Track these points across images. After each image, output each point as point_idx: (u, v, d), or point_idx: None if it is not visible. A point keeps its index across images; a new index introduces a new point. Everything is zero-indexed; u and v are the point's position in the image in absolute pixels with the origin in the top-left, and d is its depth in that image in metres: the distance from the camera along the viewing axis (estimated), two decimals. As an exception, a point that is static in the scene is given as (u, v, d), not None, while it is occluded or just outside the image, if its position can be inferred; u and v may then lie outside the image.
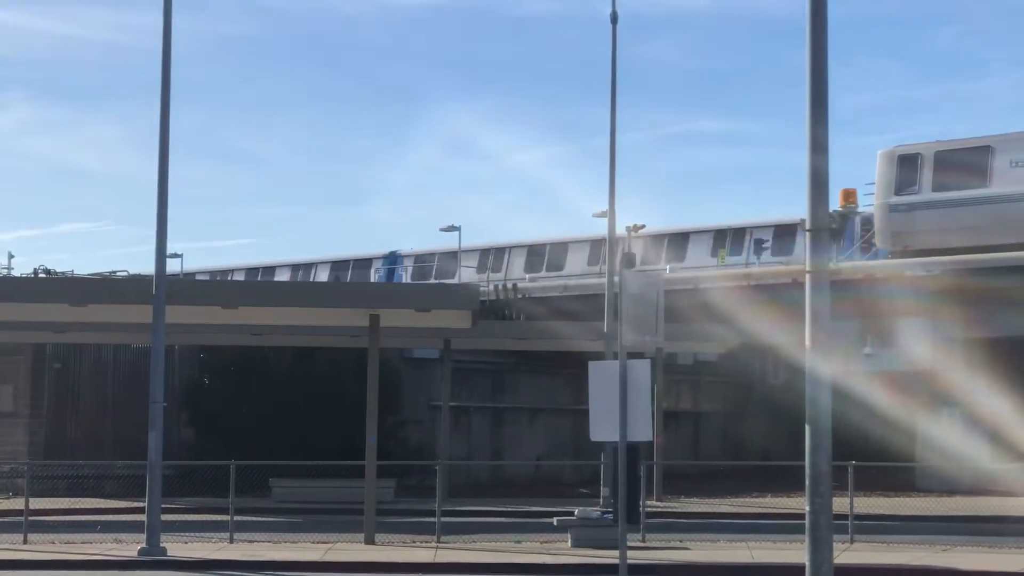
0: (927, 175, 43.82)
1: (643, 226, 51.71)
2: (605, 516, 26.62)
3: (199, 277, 61.14)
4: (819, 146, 13.73)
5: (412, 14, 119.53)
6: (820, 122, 13.73)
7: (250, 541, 26.53)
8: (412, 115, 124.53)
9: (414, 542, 26.52)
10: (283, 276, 63.60)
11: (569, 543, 25.96)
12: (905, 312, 44.58)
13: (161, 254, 25.30)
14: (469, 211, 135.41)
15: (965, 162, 43.29)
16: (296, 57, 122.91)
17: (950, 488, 41.77)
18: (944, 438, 45.00)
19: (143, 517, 24.68)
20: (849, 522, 26.48)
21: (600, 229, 52.29)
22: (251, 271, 66.68)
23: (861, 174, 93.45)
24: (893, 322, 44.54)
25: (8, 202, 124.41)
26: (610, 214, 35.59)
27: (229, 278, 64.51)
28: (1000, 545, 25.91)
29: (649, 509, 29.26)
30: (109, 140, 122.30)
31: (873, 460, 34.23)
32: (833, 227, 13.99)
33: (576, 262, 55.67)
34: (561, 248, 56.97)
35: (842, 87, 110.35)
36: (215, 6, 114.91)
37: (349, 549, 25.17)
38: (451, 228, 59.11)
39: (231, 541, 26.31)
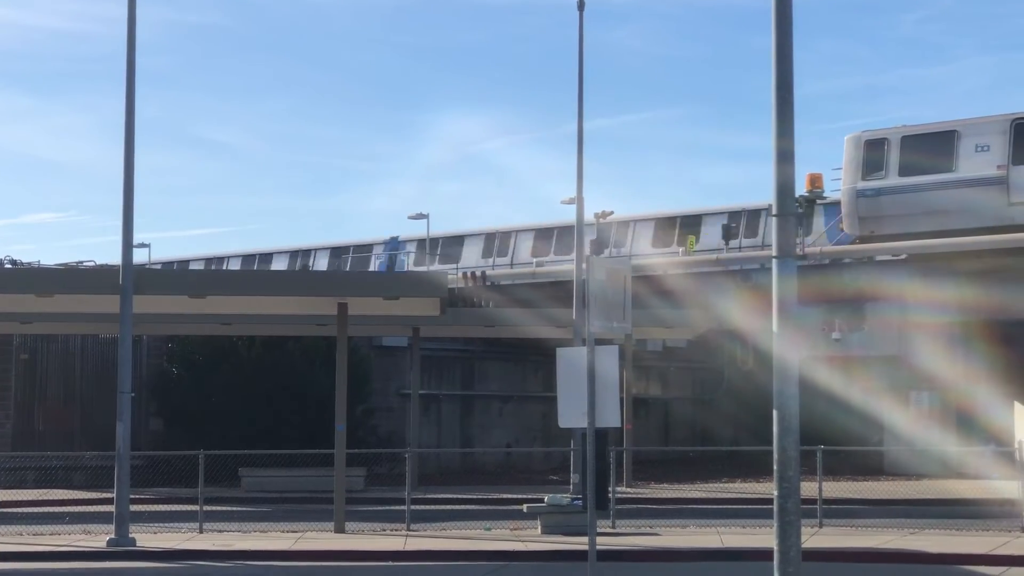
0: (894, 160, 43.96)
1: (611, 212, 51.79)
2: (575, 502, 26.66)
3: (193, 266, 61.01)
4: (784, 127, 13.76)
5: (381, 4, 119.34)
6: (785, 101, 13.76)
7: (220, 531, 26.49)
8: (379, 103, 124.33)
9: (384, 530, 26.55)
10: (281, 263, 63.31)
11: (539, 529, 26.02)
12: (872, 297, 44.79)
13: (128, 244, 25.19)
14: (440, 198, 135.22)
15: (931, 147, 43.45)
16: (262, 46, 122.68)
17: (918, 472, 42.07)
18: (912, 423, 45.32)
19: (112, 508, 24.58)
20: (818, 506, 26.62)
21: (554, 216, 53.44)
22: (247, 258, 66.35)
23: (827, 159, 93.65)
24: (860, 307, 44.73)
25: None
26: (578, 201, 35.61)
27: (225, 266, 64.40)
28: (968, 528, 26.08)
29: (619, 495, 29.39)
30: (75, 129, 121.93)
31: (842, 445, 34.42)
32: (799, 212, 13.97)
33: (524, 251, 56.03)
34: (509, 236, 57.45)
35: (806, 73, 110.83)
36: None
37: (319, 538, 25.15)
38: (419, 216, 59.06)
39: (201, 531, 26.27)
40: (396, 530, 26.36)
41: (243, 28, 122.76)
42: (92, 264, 48.40)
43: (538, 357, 45.43)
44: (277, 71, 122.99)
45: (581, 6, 34.96)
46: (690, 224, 53.12)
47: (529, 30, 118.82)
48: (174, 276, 37.49)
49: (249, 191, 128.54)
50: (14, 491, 33.96)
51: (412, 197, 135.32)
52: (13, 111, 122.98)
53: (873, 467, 41.48)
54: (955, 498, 33.59)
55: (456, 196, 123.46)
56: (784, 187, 13.79)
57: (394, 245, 59.33)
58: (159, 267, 62.99)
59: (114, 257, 29.19)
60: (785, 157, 13.78)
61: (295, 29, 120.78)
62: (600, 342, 15.31)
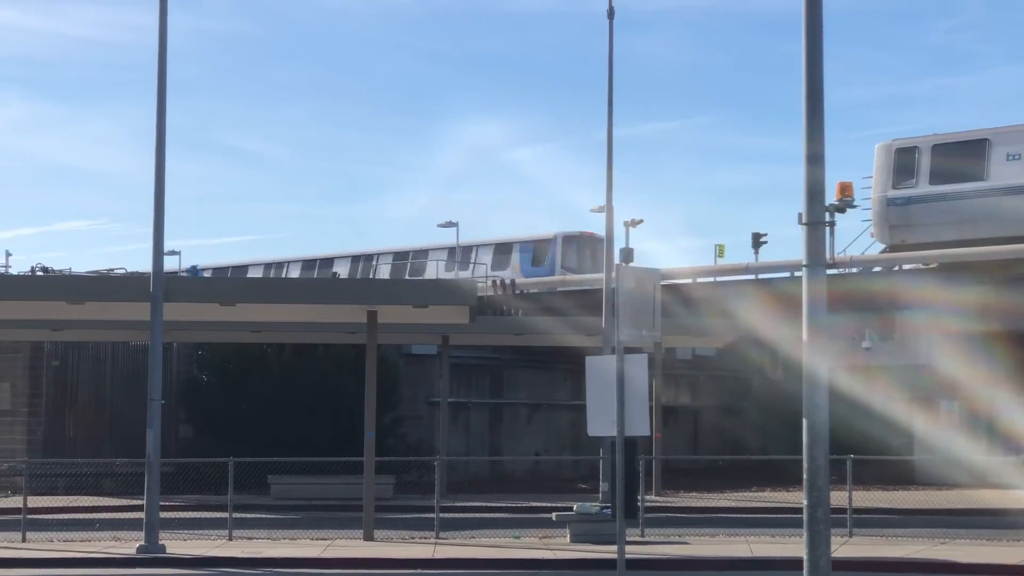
0: (924, 168, 43.83)
1: (641, 221, 51.73)
2: (604, 511, 26.61)
3: (252, 273, 60.98)
4: (814, 135, 13.75)
5: (407, 11, 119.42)
6: (816, 109, 13.74)
7: (249, 538, 26.57)
8: (403, 110, 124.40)
9: (413, 538, 26.58)
10: (342, 267, 63.16)
11: (568, 538, 25.99)
12: (903, 305, 44.60)
13: (158, 251, 25.30)
14: (466, 207, 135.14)
15: (962, 155, 43.30)
16: (287, 53, 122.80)
17: (949, 481, 41.80)
18: (941, 431, 45.10)
19: (142, 515, 24.70)
20: (848, 516, 26.55)
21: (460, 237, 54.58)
22: (307, 263, 66.30)
23: (857, 167, 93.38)
24: (891, 315, 44.56)
25: (5, 200, 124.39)
26: (607, 209, 35.60)
27: (284, 273, 64.30)
28: (999, 538, 25.97)
29: (648, 504, 29.32)
30: (105, 137, 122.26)
31: (872, 454, 34.26)
32: (829, 221, 13.94)
33: (433, 269, 56.62)
34: (422, 255, 57.95)
35: (836, 81, 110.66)
36: (207, 4, 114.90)
37: (348, 545, 25.20)
38: (449, 224, 59.11)
39: (230, 538, 26.34)
40: (425, 538, 26.37)
41: (268, 35, 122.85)
42: (123, 271, 48.44)
43: (567, 365, 45.37)
44: (303, 78, 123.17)
45: (611, 14, 34.98)
46: (505, 250, 54.93)
47: (556, 37, 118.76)
48: (204, 284, 37.49)
49: (275, 198, 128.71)
50: (45, 497, 34.03)
51: (435, 204, 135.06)
52: (44, 119, 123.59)
53: (903, 476, 41.28)
54: (986, 508, 33.43)
55: (482, 204, 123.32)
56: (814, 195, 13.76)
57: (194, 272, 57.16)
58: (253, 271, 63.21)
59: (144, 264, 29.29)
60: (815, 165, 13.76)
61: (321, 36, 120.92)
62: (629, 350, 15.30)
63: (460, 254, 56.94)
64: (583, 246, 55.14)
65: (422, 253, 60.39)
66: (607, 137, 35.48)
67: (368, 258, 62.59)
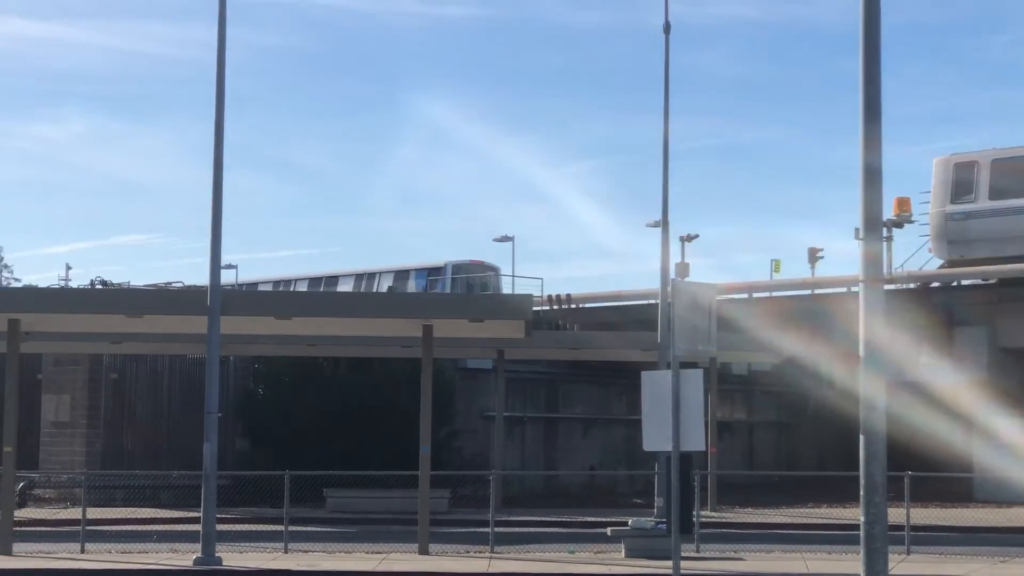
0: (984, 183, 43.53)
1: (697, 236, 51.74)
2: (659, 526, 26.54)
3: (300, 286, 61.72)
4: (872, 150, 13.69)
5: (457, 24, 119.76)
6: (873, 123, 13.68)
7: (304, 551, 26.65)
8: (459, 125, 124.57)
9: (468, 552, 26.58)
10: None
11: (623, 553, 25.95)
12: (961, 321, 44.32)
13: (216, 265, 25.43)
14: (522, 221, 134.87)
15: (1022, 170, 43.00)
16: (345, 69, 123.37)
17: (1009, 499, 41.44)
18: (1001, 449, 44.69)
19: (199, 526, 24.81)
20: (905, 533, 26.34)
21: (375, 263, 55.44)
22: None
23: (914, 183, 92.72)
24: (949, 331, 44.26)
25: (64, 214, 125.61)
26: (663, 224, 35.50)
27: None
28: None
29: (703, 519, 29.25)
30: (164, 152, 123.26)
31: (930, 471, 33.99)
32: (887, 236, 13.92)
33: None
34: (333, 281, 58.28)
35: (893, 95, 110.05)
36: (261, 18, 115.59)
37: (403, 559, 25.24)
38: (504, 239, 59.20)
39: (286, 551, 26.44)
40: (480, 552, 26.37)
41: (325, 50, 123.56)
42: (180, 285, 48.81)
43: (622, 380, 45.32)
44: (359, 92, 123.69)
45: (667, 29, 34.90)
46: (404, 277, 56.30)
47: (610, 52, 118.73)
48: (261, 297, 37.67)
49: (332, 212, 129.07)
50: (103, 509, 34.29)
51: (497, 218, 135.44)
52: (103, 134, 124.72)
53: (962, 494, 40.96)
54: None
55: (540, 215, 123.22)
56: (871, 211, 13.71)
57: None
58: (300, 284, 63.88)
59: (202, 278, 29.44)
60: (872, 180, 13.71)
61: (375, 51, 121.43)
62: (685, 365, 15.28)
63: (365, 281, 57.42)
64: (474, 272, 55.39)
65: (333, 280, 60.73)
66: (663, 152, 35.32)
67: (287, 283, 63.05)
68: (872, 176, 13.70)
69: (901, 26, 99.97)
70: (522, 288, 54.28)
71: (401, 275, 56.57)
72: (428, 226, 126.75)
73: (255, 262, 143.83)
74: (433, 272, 55.32)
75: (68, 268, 70.18)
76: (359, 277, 57.62)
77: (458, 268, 55.14)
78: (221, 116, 25.52)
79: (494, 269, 56.77)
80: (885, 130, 13.79)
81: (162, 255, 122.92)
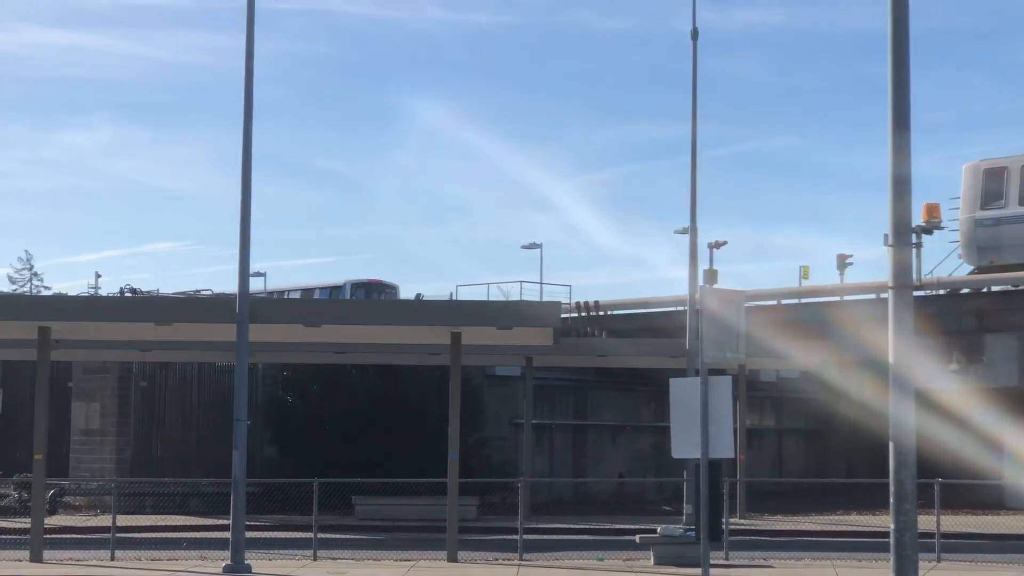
0: (1014, 189, 43.45)
1: (725, 242, 51.69)
2: (688, 533, 26.48)
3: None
4: (900, 157, 13.69)
5: (488, 32, 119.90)
6: (902, 131, 13.68)
7: (333, 558, 26.69)
8: (488, 132, 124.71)
9: (496, 560, 26.56)
10: None
11: (652, 560, 25.91)
12: (991, 327, 44.18)
13: (244, 273, 25.48)
14: (544, 231, 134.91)
15: (1053, 176, 42.93)
16: (371, 76, 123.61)
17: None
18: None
19: (228, 534, 24.86)
20: (936, 540, 26.22)
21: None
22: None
23: (944, 189, 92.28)
24: (979, 337, 44.13)
25: (94, 222, 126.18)
26: (691, 231, 35.47)
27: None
28: (1090, 564, 25.63)
29: (732, 526, 29.21)
30: (191, 160, 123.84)
31: (960, 478, 33.87)
32: (916, 242, 13.91)
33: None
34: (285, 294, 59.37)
35: (923, 100, 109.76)
36: (288, 25, 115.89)
37: (432, 567, 25.25)
38: (532, 246, 59.27)
39: (315, 558, 26.48)
40: (509, 559, 26.37)
41: (350, 57, 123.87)
42: (209, 293, 48.98)
43: (651, 387, 45.31)
44: (385, 99, 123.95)
45: (695, 35, 34.86)
46: (309, 294, 56.62)
47: (638, 60, 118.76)
48: (289, 305, 37.75)
49: (359, 220, 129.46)
50: (133, 516, 34.41)
51: (527, 224, 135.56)
52: (131, 142, 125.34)
53: (992, 501, 40.80)
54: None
55: (557, 224, 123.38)
56: (900, 217, 13.71)
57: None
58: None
59: (231, 286, 29.55)
60: (901, 187, 13.70)
61: (408, 60, 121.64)
62: (713, 372, 15.28)
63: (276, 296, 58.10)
64: (371, 292, 55.80)
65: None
66: (691, 159, 35.29)
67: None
68: (901, 183, 13.70)
69: (928, 32, 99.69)
70: (550, 295, 54.30)
71: (307, 292, 57.26)
72: (455, 233, 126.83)
73: (284, 269, 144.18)
74: (334, 291, 56.11)
75: (97, 276, 70.82)
76: (270, 294, 58.42)
77: (356, 287, 56.00)
78: (249, 126, 25.53)
79: (392, 288, 57.55)
80: (914, 136, 13.80)
81: (191, 263, 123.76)
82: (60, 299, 38.91)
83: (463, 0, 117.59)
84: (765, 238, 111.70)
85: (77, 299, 38.98)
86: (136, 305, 34.14)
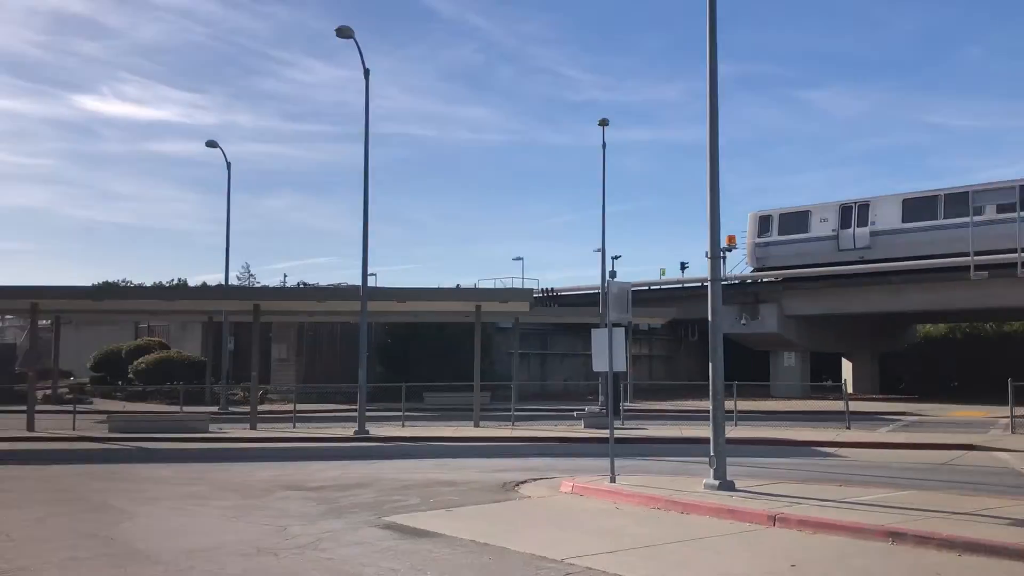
0: (775, 227, 43.62)
1: (620, 256, 51.29)
2: (602, 411, 26.60)
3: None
4: (714, 211, 13.72)
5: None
6: (715, 202, 13.69)
7: (413, 426, 26.70)
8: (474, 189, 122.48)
9: (500, 426, 26.59)
10: None
11: (583, 425, 26.00)
12: (763, 300, 44.32)
13: (364, 274, 25.52)
14: (529, 249, 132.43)
15: (795, 219, 43.06)
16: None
17: (790, 395, 41.44)
18: (787, 368, 44.69)
19: (355, 414, 24.93)
20: (734, 414, 26.36)
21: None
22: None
23: (738, 223, 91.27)
24: (756, 306, 44.27)
25: (280, 248, 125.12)
26: (602, 251, 35.04)
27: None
28: (818, 426, 25.69)
29: (626, 408, 29.25)
30: (336, 213, 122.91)
31: (748, 381, 34.02)
32: (722, 256, 13.96)
33: None
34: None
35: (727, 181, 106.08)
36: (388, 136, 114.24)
37: (466, 430, 25.24)
38: (518, 259, 58.55)
39: (403, 426, 26.49)
40: (505, 426, 26.42)
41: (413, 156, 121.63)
42: (346, 284, 48.99)
43: (584, 333, 45.33)
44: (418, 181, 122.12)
45: (604, 146, 34.17)
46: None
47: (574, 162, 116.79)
48: (388, 291, 37.85)
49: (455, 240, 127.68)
50: (304, 405, 34.43)
51: (515, 248, 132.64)
52: (300, 204, 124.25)
53: (764, 393, 40.95)
54: (812, 410, 33.05)
55: (538, 248, 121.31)
56: (714, 243, 13.73)
57: None
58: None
59: (357, 280, 29.51)
60: (715, 228, 13.73)
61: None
62: (615, 325, 15.30)
63: None
64: None
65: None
66: (601, 220, 34.94)
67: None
68: (714, 225, 13.73)
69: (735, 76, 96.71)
70: (528, 285, 54.40)
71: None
72: (478, 251, 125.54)
73: (390, 272, 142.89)
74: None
75: (284, 276, 70.54)
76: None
77: None
78: (367, 197, 25.54)
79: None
80: (725, 200, 13.75)
81: (335, 268, 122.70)
82: (265, 289, 38.83)
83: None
84: (648, 247, 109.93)
85: (274, 289, 38.90)
86: (306, 291, 34.15)
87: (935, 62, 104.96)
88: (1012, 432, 23.02)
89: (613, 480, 13.93)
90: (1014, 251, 35.17)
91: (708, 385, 13.49)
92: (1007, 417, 24.27)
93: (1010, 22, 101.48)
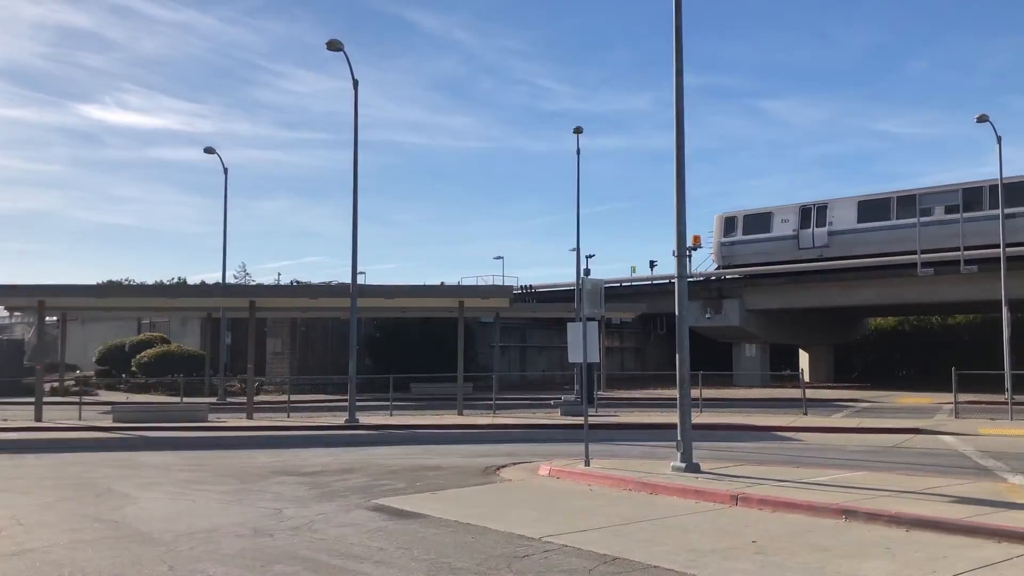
0: (739, 227, 43.82)
1: (594, 255, 51.49)
2: (577, 400, 26.66)
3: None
4: (681, 217, 13.78)
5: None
6: (681, 208, 13.76)
7: (400, 415, 26.63)
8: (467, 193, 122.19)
9: (482, 414, 26.57)
10: None
11: (559, 413, 26.04)
12: (726, 295, 44.52)
13: (354, 273, 25.35)
14: (508, 248, 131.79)
15: (759, 220, 43.28)
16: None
17: (752, 384, 41.62)
18: (750, 358, 44.88)
19: (346, 403, 24.82)
20: (699, 401, 26.49)
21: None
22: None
23: (704, 223, 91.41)
24: (720, 301, 44.50)
25: (274, 247, 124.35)
26: (577, 250, 35.07)
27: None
28: (776, 412, 25.82)
29: (599, 396, 29.34)
30: (327, 215, 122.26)
31: (713, 370, 34.15)
32: (688, 254, 13.98)
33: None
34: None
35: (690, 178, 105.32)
36: (376, 141, 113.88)
37: (450, 418, 25.21)
38: (498, 257, 58.46)
39: (391, 415, 26.39)
40: (487, 414, 26.41)
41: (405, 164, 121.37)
42: (337, 283, 48.77)
43: (560, 326, 45.42)
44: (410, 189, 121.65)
45: (578, 150, 34.01)
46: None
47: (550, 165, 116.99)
48: (376, 288, 37.66)
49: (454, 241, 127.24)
50: (299, 395, 34.26)
51: (490, 244, 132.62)
52: (297, 206, 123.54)
53: (727, 382, 41.16)
54: (772, 398, 33.22)
55: (516, 247, 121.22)
56: (680, 242, 13.81)
57: None
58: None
59: (347, 278, 29.39)
60: (681, 230, 13.79)
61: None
62: (589, 319, 15.36)
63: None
64: None
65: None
66: (576, 209, 34.96)
67: None
68: (681, 224, 13.80)
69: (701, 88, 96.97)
70: (508, 282, 54.42)
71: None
72: (455, 251, 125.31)
73: (375, 271, 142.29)
74: None
75: (279, 274, 70.09)
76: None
77: None
78: (356, 200, 25.39)
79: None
80: (690, 202, 13.80)
81: (327, 267, 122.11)
82: (260, 287, 38.57)
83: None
84: (620, 246, 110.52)
85: (268, 287, 38.67)
86: (298, 289, 33.95)
87: (884, 74, 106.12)
88: (956, 417, 23.35)
89: (587, 464, 13.99)
90: (958, 250, 35.60)
91: (675, 375, 13.57)
92: (951, 403, 24.63)
93: (952, 39, 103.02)
